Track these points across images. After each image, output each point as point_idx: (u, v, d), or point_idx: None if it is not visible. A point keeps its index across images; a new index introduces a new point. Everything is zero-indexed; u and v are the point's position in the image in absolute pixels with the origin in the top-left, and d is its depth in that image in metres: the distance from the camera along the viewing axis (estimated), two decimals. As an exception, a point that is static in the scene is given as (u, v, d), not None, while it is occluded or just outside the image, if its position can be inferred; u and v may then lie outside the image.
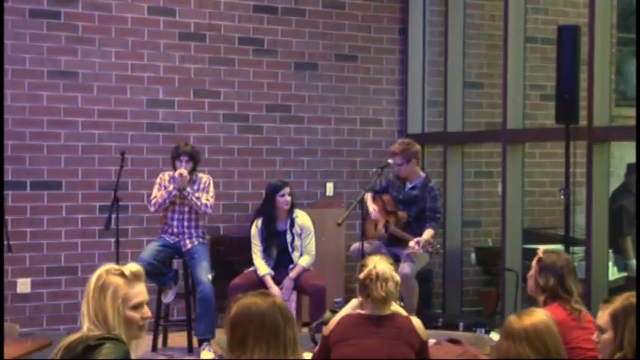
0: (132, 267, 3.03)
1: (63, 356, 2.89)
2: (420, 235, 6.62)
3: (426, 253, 6.60)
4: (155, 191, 6.66)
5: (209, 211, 6.67)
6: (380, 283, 3.91)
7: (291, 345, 2.92)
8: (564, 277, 4.15)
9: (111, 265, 3.03)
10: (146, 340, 6.67)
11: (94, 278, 2.98)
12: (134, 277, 3.01)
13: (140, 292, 3.01)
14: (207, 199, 6.62)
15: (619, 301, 3.36)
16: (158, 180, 6.70)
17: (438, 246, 6.63)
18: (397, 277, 4.00)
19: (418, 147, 6.99)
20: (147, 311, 3.02)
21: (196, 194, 6.58)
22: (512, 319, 3.18)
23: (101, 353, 2.83)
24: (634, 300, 3.33)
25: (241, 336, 2.91)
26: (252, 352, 2.87)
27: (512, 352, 3.09)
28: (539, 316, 3.18)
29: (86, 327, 2.93)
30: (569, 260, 4.28)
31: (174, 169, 6.62)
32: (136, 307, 2.99)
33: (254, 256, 6.68)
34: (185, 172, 6.53)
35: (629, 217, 7.42)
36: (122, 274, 2.99)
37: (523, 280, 6.92)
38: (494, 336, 5.57)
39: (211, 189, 6.70)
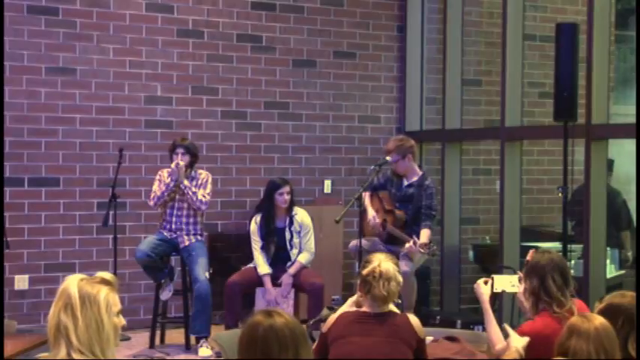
0: (105, 274, 2.81)
1: None
2: (418, 233, 6.61)
3: (422, 255, 6.55)
4: (155, 187, 6.66)
5: (204, 207, 6.64)
6: (382, 281, 3.90)
7: None
8: (545, 278, 3.86)
9: (81, 275, 2.77)
10: (143, 337, 6.68)
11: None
12: (114, 284, 2.80)
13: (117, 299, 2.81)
14: (204, 195, 6.60)
15: (605, 301, 3.36)
16: (157, 177, 6.70)
17: (435, 247, 6.54)
18: (400, 278, 3.98)
19: (412, 142, 6.95)
20: (122, 319, 2.81)
21: (193, 189, 6.58)
22: (576, 319, 3.16)
23: None
24: (620, 300, 3.32)
25: None
26: None
27: (579, 350, 3.06)
28: (601, 319, 3.17)
29: (77, 355, 2.63)
30: (553, 259, 3.93)
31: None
32: (118, 314, 2.78)
33: (255, 252, 6.66)
34: (182, 163, 6.53)
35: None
36: (105, 282, 2.76)
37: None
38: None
39: (209, 186, 6.68)
